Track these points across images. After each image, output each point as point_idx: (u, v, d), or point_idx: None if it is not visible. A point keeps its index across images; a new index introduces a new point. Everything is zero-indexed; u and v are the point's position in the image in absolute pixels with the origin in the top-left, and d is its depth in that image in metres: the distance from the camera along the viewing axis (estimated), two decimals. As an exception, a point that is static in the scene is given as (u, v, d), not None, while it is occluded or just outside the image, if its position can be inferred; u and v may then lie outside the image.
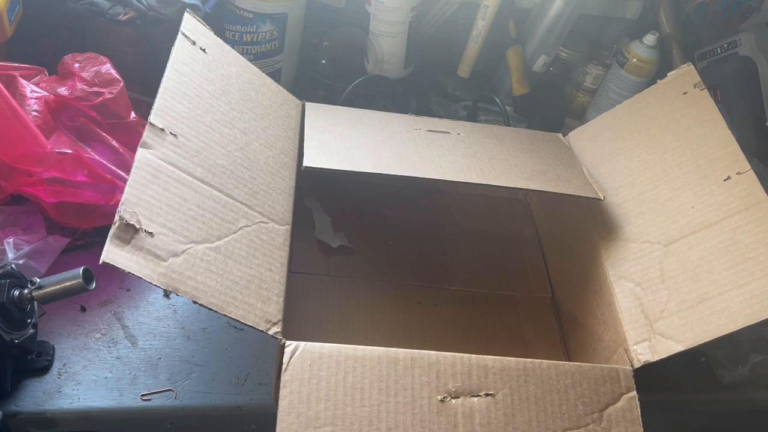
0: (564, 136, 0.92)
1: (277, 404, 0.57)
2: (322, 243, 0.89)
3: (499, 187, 0.74)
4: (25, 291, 0.64)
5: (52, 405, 0.67)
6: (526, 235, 0.99)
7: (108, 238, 0.53)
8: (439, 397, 0.59)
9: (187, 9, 0.75)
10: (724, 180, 0.72)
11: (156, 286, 0.54)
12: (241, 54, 0.79)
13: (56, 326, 0.73)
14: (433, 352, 0.61)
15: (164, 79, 0.65)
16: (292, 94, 0.83)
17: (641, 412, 0.62)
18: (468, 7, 1.11)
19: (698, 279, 0.67)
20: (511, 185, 0.75)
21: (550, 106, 1.18)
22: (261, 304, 0.60)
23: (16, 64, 0.83)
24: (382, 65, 1.10)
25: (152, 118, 0.62)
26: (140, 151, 0.59)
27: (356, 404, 0.58)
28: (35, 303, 0.66)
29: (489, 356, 0.62)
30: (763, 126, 1.04)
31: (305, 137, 0.75)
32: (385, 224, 0.95)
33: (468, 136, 0.83)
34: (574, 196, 0.76)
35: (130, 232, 0.54)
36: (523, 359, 0.63)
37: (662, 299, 0.69)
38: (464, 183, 0.73)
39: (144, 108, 0.89)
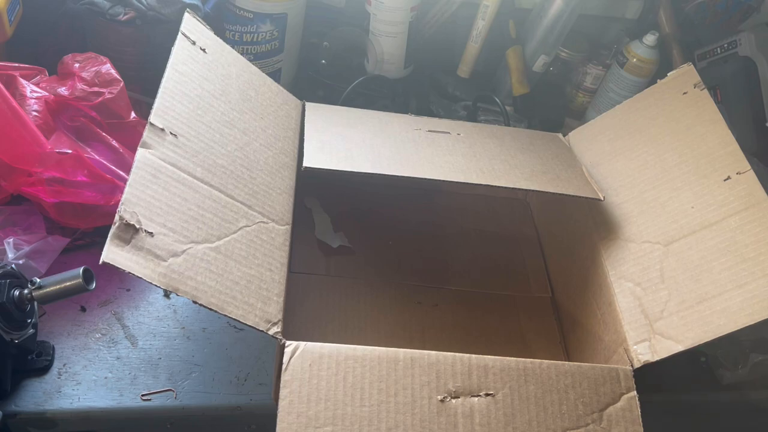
0: (564, 136, 0.92)
1: (277, 404, 0.57)
2: (322, 243, 0.89)
3: (499, 187, 0.74)
4: (25, 291, 0.64)
5: (52, 405, 0.66)
6: (526, 235, 0.99)
7: (108, 238, 0.53)
8: (439, 397, 0.59)
9: (187, 9, 0.75)
10: (724, 180, 0.72)
11: (156, 286, 0.54)
12: (241, 54, 0.79)
13: (56, 326, 0.73)
14: (433, 352, 0.61)
15: (164, 79, 0.65)
16: (292, 94, 0.83)
17: (641, 412, 0.62)
18: (468, 7, 1.11)
19: (698, 279, 0.67)
20: (511, 186, 0.75)
21: (550, 106, 1.18)
22: (261, 304, 0.60)
23: (16, 64, 0.83)
24: (382, 65, 1.10)
25: (152, 118, 0.62)
26: (140, 151, 0.59)
27: (356, 404, 0.58)
28: (35, 303, 0.66)
29: (489, 356, 0.62)
30: (763, 126, 1.04)
31: (305, 137, 0.75)
32: (385, 224, 0.95)
33: (468, 136, 0.83)
34: (574, 196, 0.76)
35: (130, 232, 0.54)
36: (523, 359, 0.63)
37: (662, 299, 0.69)
38: (464, 183, 0.73)
39: (144, 108, 0.89)
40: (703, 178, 0.73)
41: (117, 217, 0.54)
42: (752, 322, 0.62)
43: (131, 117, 0.84)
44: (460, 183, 0.73)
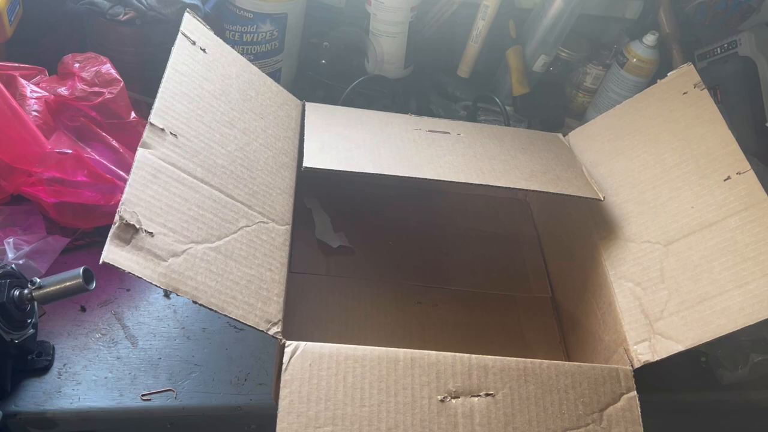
0: (564, 136, 0.92)
1: (277, 404, 0.57)
2: (322, 243, 0.89)
3: (499, 187, 0.74)
4: (25, 291, 0.64)
5: (52, 405, 0.67)
6: (526, 235, 0.99)
7: (108, 238, 0.53)
8: (439, 397, 0.59)
9: (187, 9, 0.75)
10: (724, 180, 0.72)
11: (156, 286, 0.54)
12: (241, 54, 0.79)
13: (56, 326, 0.73)
14: (433, 352, 0.61)
15: (164, 79, 0.65)
16: (292, 94, 0.83)
17: (641, 412, 0.62)
18: (468, 7, 1.11)
19: (698, 279, 0.67)
20: (511, 186, 0.75)
21: (550, 106, 1.18)
22: (261, 304, 0.60)
23: (16, 64, 0.83)
24: (382, 65, 1.10)
25: (152, 118, 0.62)
26: (140, 151, 0.59)
27: (356, 404, 0.58)
28: (35, 303, 0.66)
29: (489, 356, 0.62)
30: (763, 126, 1.04)
31: (305, 137, 0.75)
32: (385, 224, 0.95)
33: (468, 137, 0.83)
34: (574, 196, 0.76)
35: (130, 232, 0.54)
36: (523, 359, 0.63)
37: (662, 299, 0.69)
38: (464, 183, 0.73)
39: (144, 108, 0.89)
40: (703, 178, 0.73)
41: (117, 217, 0.54)
42: (752, 322, 0.62)
43: (131, 117, 0.84)
44: (460, 183, 0.73)
